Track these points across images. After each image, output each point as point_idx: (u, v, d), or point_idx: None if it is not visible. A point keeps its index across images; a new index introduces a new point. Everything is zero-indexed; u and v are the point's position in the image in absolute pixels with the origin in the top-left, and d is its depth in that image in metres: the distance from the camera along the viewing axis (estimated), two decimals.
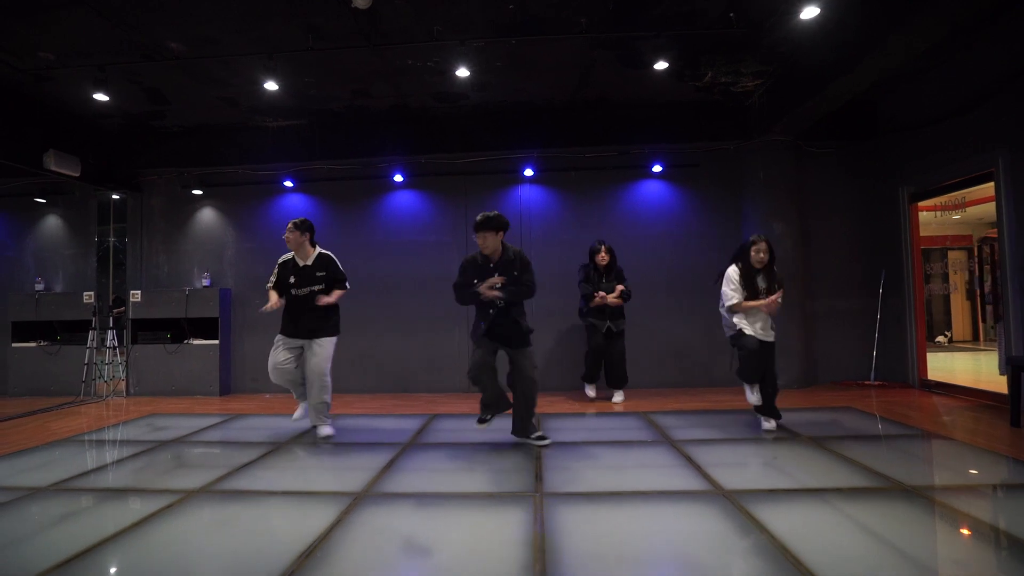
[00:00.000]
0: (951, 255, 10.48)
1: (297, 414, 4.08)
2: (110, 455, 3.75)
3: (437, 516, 2.55)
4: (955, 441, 3.61)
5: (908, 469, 3.06)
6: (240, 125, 6.34)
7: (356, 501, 2.70)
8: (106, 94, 5.07)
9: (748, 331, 3.81)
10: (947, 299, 10.39)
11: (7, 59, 4.66)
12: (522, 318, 3.62)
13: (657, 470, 3.14)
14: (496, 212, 3.54)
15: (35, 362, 6.50)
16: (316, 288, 3.90)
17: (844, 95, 4.87)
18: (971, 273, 10.32)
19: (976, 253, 10.17)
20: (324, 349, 3.91)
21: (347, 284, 4.06)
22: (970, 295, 10.55)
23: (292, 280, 3.94)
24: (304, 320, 3.90)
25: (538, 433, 3.71)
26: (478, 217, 3.53)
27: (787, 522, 2.35)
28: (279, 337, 3.96)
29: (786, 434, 3.83)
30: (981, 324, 10.43)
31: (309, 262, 3.96)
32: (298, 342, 3.93)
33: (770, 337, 3.86)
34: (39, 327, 6.59)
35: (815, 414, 4.50)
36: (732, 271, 3.89)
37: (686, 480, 2.93)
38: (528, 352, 3.63)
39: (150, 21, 4.16)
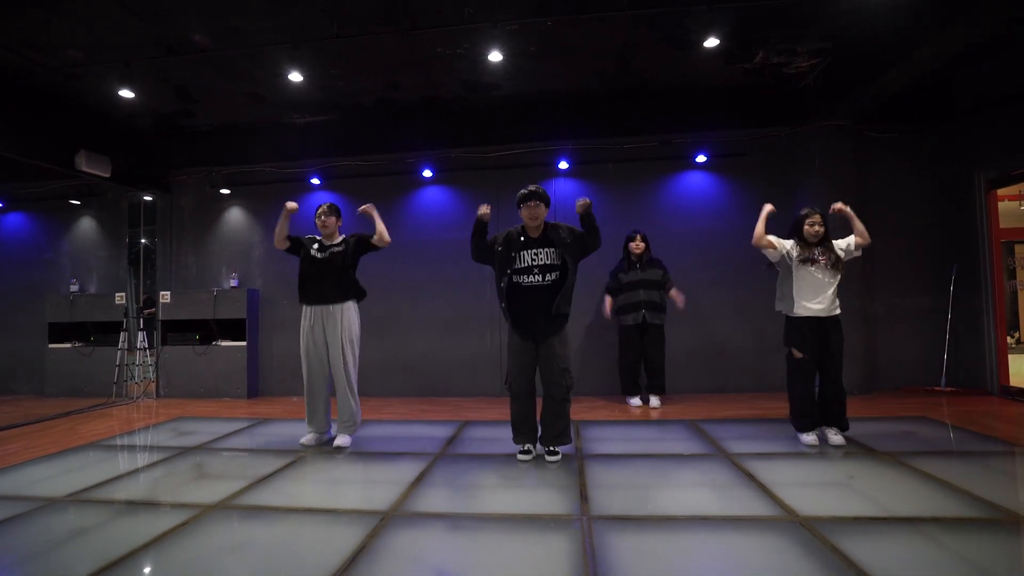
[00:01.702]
0: (1018, 249, 9.68)
1: (306, 439, 3.83)
2: (131, 463, 3.61)
3: (473, 542, 2.28)
4: None
5: (1017, 494, 2.63)
6: (267, 122, 6.22)
7: (383, 522, 2.45)
8: (133, 91, 5.00)
9: (799, 312, 3.40)
10: (1015, 296, 9.60)
11: (37, 57, 4.62)
12: (562, 303, 3.25)
13: (716, 490, 2.79)
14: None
15: (70, 363, 6.53)
16: (337, 249, 3.79)
17: (915, 73, 4.41)
18: None
19: None
20: (348, 327, 3.70)
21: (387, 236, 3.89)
22: None
23: (315, 247, 3.83)
24: (323, 282, 3.73)
25: (557, 452, 3.31)
26: (528, 187, 3.27)
27: (882, 560, 1.99)
28: (304, 328, 3.74)
29: (858, 448, 3.42)
30: None
31: (335, 242, 3.86)
32: (322, 331, 3.72)
33: (835, 311, 3.43)
34: (73, 328, 6.62)
35: (885, 424, 4.06)
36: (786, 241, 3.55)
37: (752, 503, 2.58)
38: (561, 338, 3.27)
39: (173, 11, 4.02)
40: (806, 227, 3.47)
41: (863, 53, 4.62)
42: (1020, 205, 6.08)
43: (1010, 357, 7.39)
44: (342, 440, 3.76)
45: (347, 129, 6.16)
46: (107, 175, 5.82)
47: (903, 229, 5.61)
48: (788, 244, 3.54)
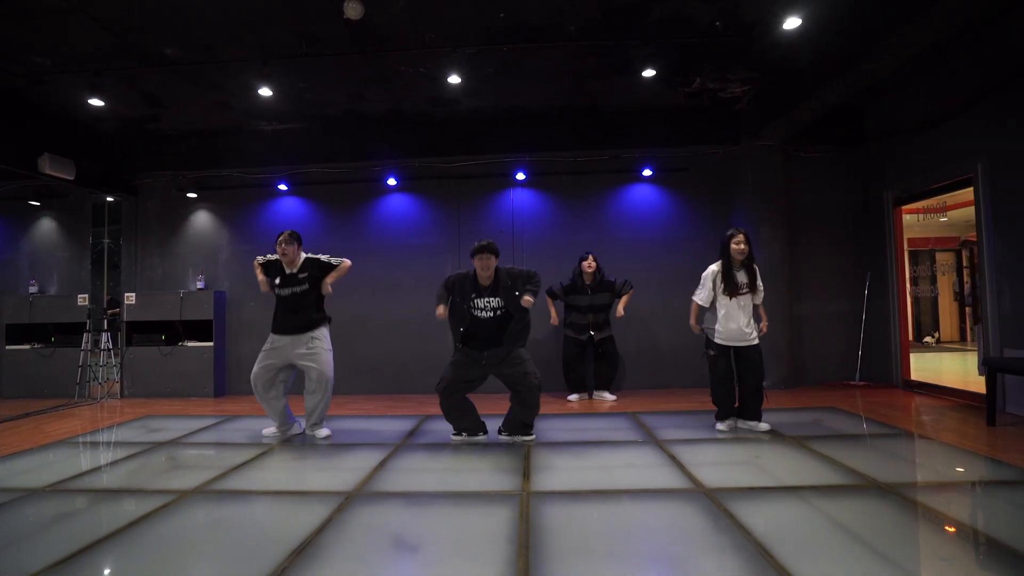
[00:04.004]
0: (938, 257, 10.64)
1: (268, 432, 4.10)
2: (105, 456, 3.80)
3: (426, 514, 2.62)
4: (932, 440, 3.71)
5: (884, 467, 3.15)
6: (236, 129, 6.40)
7: (347, 500, 2.77)
8: (101, 99, 5.13)
9: (720, 339, 3.89)
10: (935, 300, 10.54)
11: (3, 64, 4.70)
12: (523, 326, 3.74)
13: (642, 469, 3.22)
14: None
15: (29, 364, 6.52)
16: (298, 289, 4.00)
17: (829, 102, 4.99)
18: (959, 275, 10.49)
19: (958, 255, 10.37)
20: (322, 347, 3.99)
21: (345, 262, 4.12)
22: (958, 296, 10.72)
23: (277, 281, 4.06)
24: (291, 317, 4.00)
25: (531, 435, 3.83)
26: (481, 242, 3.65)
27: (764, 519, 2.43)
28: (270, 338, 4.03)
29: (769, 434, 3.92)
30: (969, 325, 10.62)
31: (295, 269, 4.06)
32: (285, 342, 3.98)
33: (752, 340, 3.94)
34: (33, 330, 6.62)
35: (800, 414, 4.60)
36: (711, 268, 4.00)
37: (669, 478, 3.01)
38: (522, 358, 3.72)
39: (147, 28, 4.22)
40: (732, 245, 3.90)
41: (787, 82, 5.18)
42: (919, 219, 6.80)
43: (931, 355, 8.21)
44: (323, 432, 4.09)
45: (314, 137, 6.41)
46: (71, 178, 5.88)
47: (826, 239, 6.24)
48: (710, 278, 3.95)
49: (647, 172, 6.25)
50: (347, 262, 4.15)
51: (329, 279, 4.05)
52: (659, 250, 6.25)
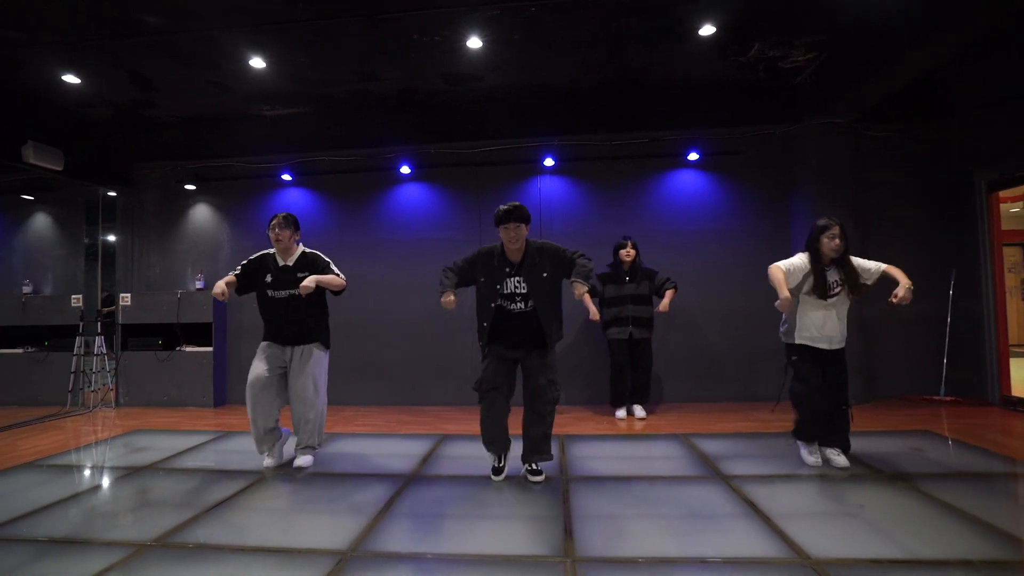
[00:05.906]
0: (1004, 251, 9.64)
1: (267, 462, 3.46)
2: (68, 487, 3.23)
3: None
4: None
5: None
6: (236, 114, 5.85)
7: (341, 564, 2.15)
8: (80, 76, 4.62)
9: (802, 339, 3.17)
10: None
11: None
12: (552, 321, 3.03)
13: (716, 521, 2.53)
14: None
15: (22, 370, 6.09)
16: (295, 292, 3.34)
17: (911, 72, 4.22)
18: None
19: None
20: (311, 364, 3.37)
21: (342, 278, 3.43)
22: None
23: (268, 280, 3.40)
24: (286, 325, 3.38)
25: (540, 471, 3.12)
26: (506, 206, 2.96)
27: None
28: (262, 345, 3.43)
29: (863, 469, 3.18)
30: None
31: (290, 262, 3.42)
32: (282, 353, 3.41)
33: (838, 345, 3.20)
34: (26, 332, 6.19)
35: (888, 440, 3.84)
36: (797, 258, 3.21)
37: (756, 540, 2.31)
38: (548, 361, 3.05)
39: None
40: (825, 240, 3.13)
41: (861, 47, 4.40)
42: (1021, 208, 5.91)
43: None
44: (302, 460, 3.44)
45: (320, 123, 5.82)
46: (59, 168, 5.41)
47: (901, 232, 5.41)
48: (799, 272, 3.17)
49: (693, 156, 5.51)
50: (343, 281, 3.43)
51: (316, 279, 3.28)
52: (706, 243, 5.50)
